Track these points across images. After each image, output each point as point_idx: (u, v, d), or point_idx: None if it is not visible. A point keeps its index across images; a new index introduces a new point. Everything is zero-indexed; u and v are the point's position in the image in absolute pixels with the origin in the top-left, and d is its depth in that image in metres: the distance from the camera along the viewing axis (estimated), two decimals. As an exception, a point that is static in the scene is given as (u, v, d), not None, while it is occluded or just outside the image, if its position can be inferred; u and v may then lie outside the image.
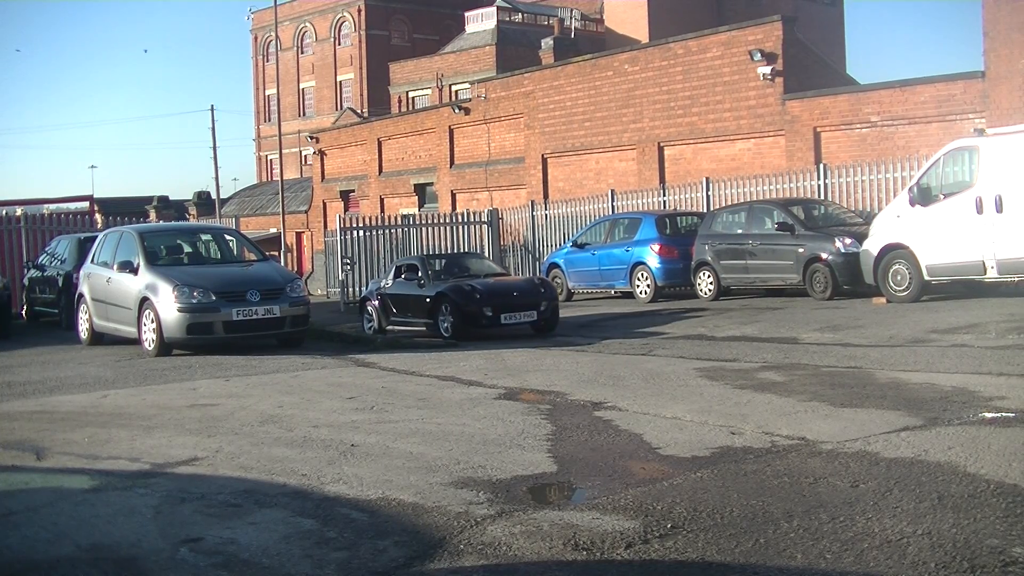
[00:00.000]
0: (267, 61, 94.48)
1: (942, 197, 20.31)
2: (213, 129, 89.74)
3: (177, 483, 8.55)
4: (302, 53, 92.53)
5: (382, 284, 24.05)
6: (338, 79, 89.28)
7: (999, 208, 19.22)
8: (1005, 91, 26.41)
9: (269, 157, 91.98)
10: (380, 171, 49.68)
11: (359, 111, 76.26)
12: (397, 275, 23.58)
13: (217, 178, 75.67)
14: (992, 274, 19.56)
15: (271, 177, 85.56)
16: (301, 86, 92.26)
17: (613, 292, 29.12)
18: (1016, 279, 19.24)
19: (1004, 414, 9.43)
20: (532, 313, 21.02)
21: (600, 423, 10.33)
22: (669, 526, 6.51)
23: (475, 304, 20.85)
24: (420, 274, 22.66)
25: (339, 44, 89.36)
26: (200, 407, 12.77)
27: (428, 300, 21.73)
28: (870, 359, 13.73)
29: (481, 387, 13.48)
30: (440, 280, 22.33)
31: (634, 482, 7.86)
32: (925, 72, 31.81)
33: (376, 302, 23.65)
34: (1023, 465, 7.43)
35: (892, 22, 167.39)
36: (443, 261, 24.58)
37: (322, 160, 54.28)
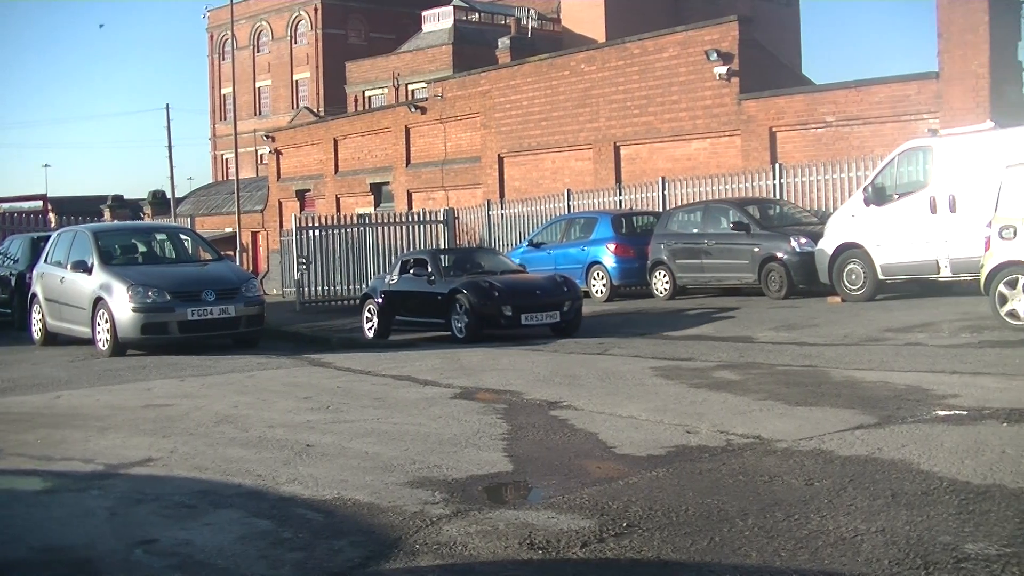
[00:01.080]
0: (223, 60, 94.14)
1: (896, 197, 20.43)
2: (168, 128, 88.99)
3: (132, 484, 8.51)
4: (258, 52, 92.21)
5: (386, 280, 22.51)
6: (294, 78, 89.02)
7: (952, 208, 19.35)
8: (959, 92, 26.58)
9: (225, 156, 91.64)
10: (336, 170, 49.51)
11: (315, 110, 76.10)
12: (404, 270, 22.10)
13: (172, 177, 75.22)
14: (946, 273, 19.69)
15: (227, 176, 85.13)
16: (257, 85, 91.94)
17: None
18: (969, 278, 19.36)
19: (957, 412, 9.50)
20: (555, 314, 19.67)
21: (556, 422, 10.34)
22: (625, 525, 6.52)
23: (493, 303, 19.54)
24: (430, 269, 21.16)
25: (295, 43, 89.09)
26: (155, 407, 12.71)
27: (440, 298, 20.37)
28: (825, 358, 13.79)
29: (437, 386, 13.46)
30: (453, 276, 20.86)
31: (590, 481, 7.87)
32: (880, 73, 31.89)
33: (379, 300, 21.99)
34: (975, 462, 7.48)
35: (848, 23, 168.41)
36: (454, 256, 23.20)
37: (278, 159, 54.05)
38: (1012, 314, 15.25)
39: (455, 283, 20.16)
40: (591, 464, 8.53)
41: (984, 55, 26.26)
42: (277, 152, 54.04)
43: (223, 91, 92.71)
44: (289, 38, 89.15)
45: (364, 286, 32.97)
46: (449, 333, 20.09)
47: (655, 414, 10.37)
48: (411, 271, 21.73)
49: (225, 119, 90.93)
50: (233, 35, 71.31)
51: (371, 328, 22.11)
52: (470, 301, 19.58)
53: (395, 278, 22.12)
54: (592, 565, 5.93)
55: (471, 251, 25.42)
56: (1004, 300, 15.35)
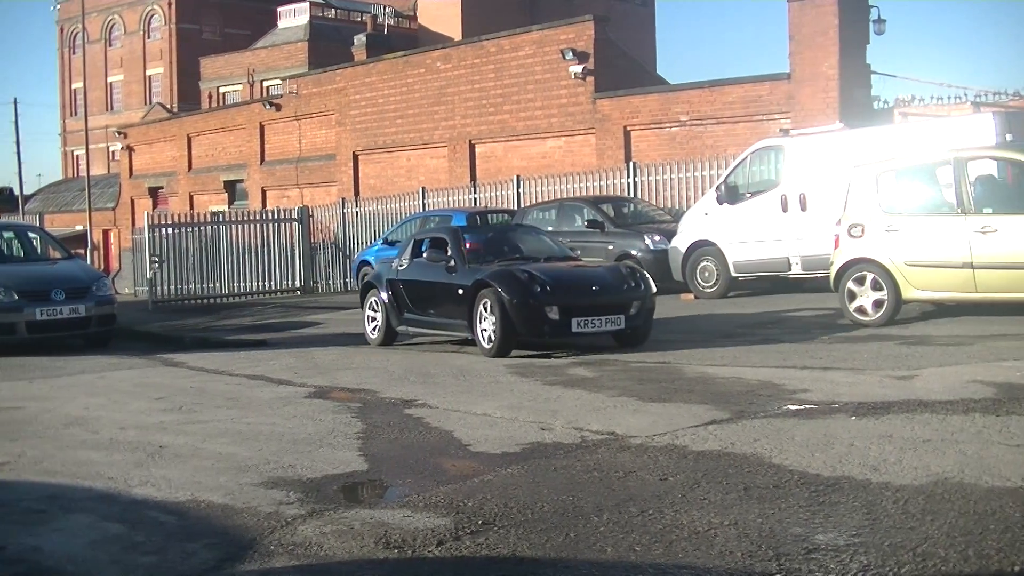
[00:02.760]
0: (73, 54, 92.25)
1: (748, 195, 20.74)
2: (16, 123, 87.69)
3: (-23, 489, 8.31)
4: (110, 46, 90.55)
5: (394, 266, 17.77)
6: (147, 73, 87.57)
7: (803, 206, 19.68)
8: (809, 93, 27.05)
9: (75, 152, 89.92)
10: (190, 167, 48.93)
11: (169, 106, 75.02)
12: (416, 253, 17.26)
13: (20, 174, 74.32)
14: (796, 270, 20.04)
15: (77, 173, 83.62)
16: (109, 80, 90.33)
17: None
18: (819, 275, 19.69)
19: (807, 406, 9.63)
20: (618, 318, 14.80)
21: (411, 421, 10.31)
22: (480, 523, 6.51)
23: (535, 301, 14.62)
24: (450, 253, 16.22)
25: (148, 37, 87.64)
26: (2, 410, 12.44)
27: (461, 292, 15.56)
28: (678, 354, 13.90)
29: (291, 386, 13.35)
30: (480, 263, 15.98)
31: (445, 479, 7.85)
32: (734, 73, 32.49)
33: (386, 293, 17.38)
34: (825, 455, 7.60)
35: (702, 24, 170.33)
36: (485, 236, 17.97)
37: (130, 156, 53.22)
38: (860, 310, 15.53)
39: (482, 272, 15.40)
40: (446, 462, 8.51)
41: (834, 57, 26.78)
42: (129, 149, 53.22)
43: (74, 86, 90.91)
44: (142, 32, 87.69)
45: (216, 285, 32.80)
46: (471, 339, 15.59)
47: (510, 411, 10.38)
48: (425, 254, 16.78)
49: (76, 114, 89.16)
50: (84, 28, 70.09)
51: (375, 329, 17.77)
52: (501, 298, 14.69)
53: (405, 262, 17.41)
54: (448, 563, 5.91)
55: (505, 230, 19.71)
56: (853, 296, 15.62)
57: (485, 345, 15.06)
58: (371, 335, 17.76)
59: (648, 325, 15.39)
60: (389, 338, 17.50)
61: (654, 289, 15.76)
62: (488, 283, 14.97)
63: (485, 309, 14.98)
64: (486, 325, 15.00)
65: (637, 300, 15.03)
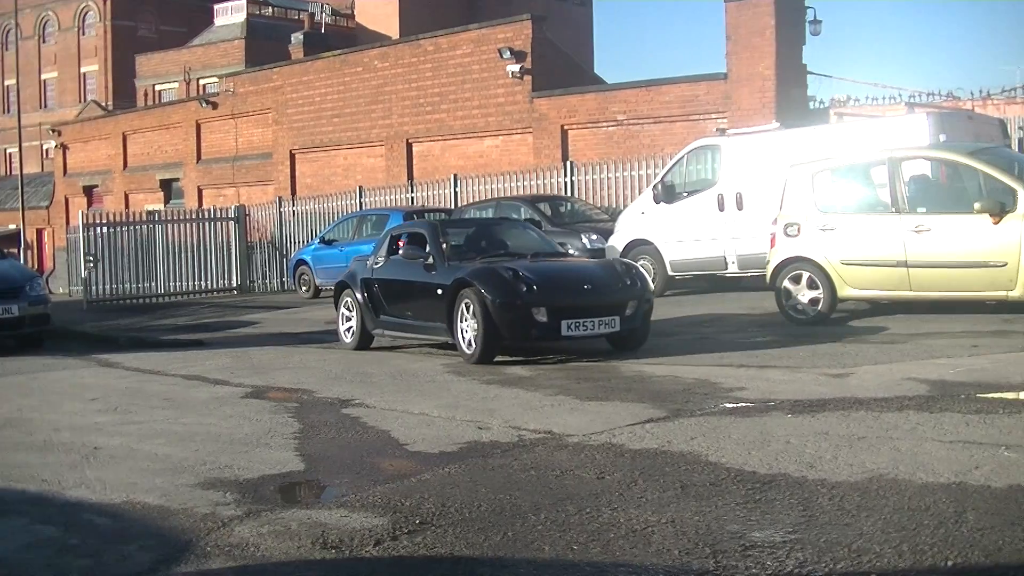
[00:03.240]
0: (6, 50, 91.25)
1: (685, 195, 20.80)
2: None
3: (-94, 493, 8.20)
4: (44, 43, 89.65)
5: (369, 263, 16.45)
6: (82, 70, 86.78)
7: (739, 205, 19.77)
8: (746, 93, 27.22)
9: (8, 150, 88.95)
10: (125, 166, 48.59)
11: (104, 104, 74.41)
12: (392, 250, 16.01)
13: (-49, 172, 73.05)
14: (733, 269, 20.13)
15: (10, 172, 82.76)
16: (43, 77, 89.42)
17: (362, 288, 28.84)
18: (756, 273, 19.80)
19: (744, 404, 9.68)
20: (612, 320, 13.59)
21: (348, 420, 10.27)
22: (418, 522, 6.49)
23: (520, 301, 13.41)
24: (429, 249, 15.05)
25: (83, 34, 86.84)
26: (-68, 411, 12.30)
27: (440, 292, 14.31)
28: (615, 353, 13.92)
29: (228, 386, 13.26)
30: (461, 260, 14.80)
31: (382, 479, 7.82)
32: (671, 73, 32.66)
33: (360, 294, 16.19)
34: (762, 453, 7.63)
35: (640, 24, 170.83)
36: (468, 230, 16.85)
37: (64, 154, 52.78)
38: (796, 308, 15.62)
39: (463, 270, 14.17)
40: (384, 462, 8.48)
41: (770, 57, 26.98)
42: (64, 147, 52.79)
43: (6, 83, 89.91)
44: (77, 29, 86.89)
45: (152, 285, 32.56)
46: (452, 343, 14.39)
47: (447, 411, 10.36)
48: (401, 251, 15.63)
49: (9, 112, 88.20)
50: (17, 25, 69.35)
51: (349, 331, 16.63)
52: (483, 298, 13.49)
53: (381, 260, 16.17)
54: (385, 563, 5.88)
55: (490, 224, 18.50)
56: (789, 295, 15.71)
57: (466, 350, 13.86)
58: (345, 338, 16.68)
59: (646, 327, 14.20)
60: (365, 341, 16.35)
61: (652, 287, 14.80)
62: (469, 282, 13.74)
63: (466, 311, 13.78)
64: (467, 328, 13.81)
65: (633, 299, 13.84)
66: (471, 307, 13.61)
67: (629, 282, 14.01)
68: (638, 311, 13.84)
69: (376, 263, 16.13)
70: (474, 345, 13.67)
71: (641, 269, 15.23)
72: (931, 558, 5.31)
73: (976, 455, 7.25)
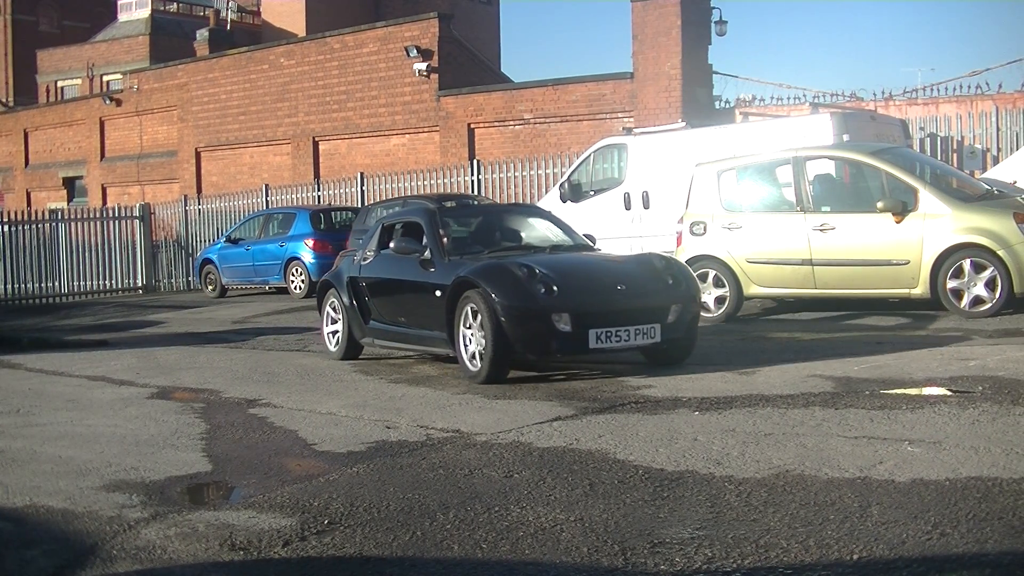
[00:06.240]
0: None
1: (592, 193, 20.89)
2: None
3: None
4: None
5: (357, 259, 13.99)
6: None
7: (646, 204, 19.89)
8: (652, 92, 27.38)
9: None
10: (27, 163, 48.01)
11: (4, 100, 73.33)
12: (383, 244, 13.58)
13: None
14: (639, 268, 20.18)
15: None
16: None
17: (268, 288, 28.74)
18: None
19: (651, 402, 9.72)
20: (652, 328, 11.17)
21: (255, 420, 10.19)
22: (326, 522, 6.44)
23: (537, 306, 10.93)
24: (426, 242, 12.62)
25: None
26: None
27: (439, 293, 11.90)
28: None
29: (133, 386, 13.09)
30: (465, 253, 12.40)
31: (290, 479, 7.76)
32: (578, 72, 32.84)
33: (347, 296, 13.76)
34: (669, 450, 7.66)
35: (547, 23, 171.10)
36: (475, 220, 13.96)
37: (-37, 152, 52.08)
38: (703, 307, 15.72)
39: (466, 267, 11.65)
40: (291, 462, 8.42)
41: (676, 57, 27.17)
42: (-38, 144, 52.02)
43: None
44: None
45: (55, 284, 32.17)
46: (455, 355, 11.86)
47: (355, 410, 10.31)
48: (393, 245, 13.09)
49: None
50: (-87, 20, 68.22)
51: (334, 335, 14.25)
52: (491, 302, 10.97)
53: (370, 255, 13.72)
54: (294, 564, 5.84)
55: (500, 212, 15.29)
56: (695, 293, 15.80)
57: (470, 367, 11.42)
58: (331, 345, 14.33)
59: (692, 336, 11.88)
60: (352, 351, 14.02)
61: (699, 287, 12.68)
62: (473, 282, 11.25)
63: (471, 317, 11.30)
64: (471, 339, 11.38)
65: (677, 303, 11.49)
66: (476, 312, 11.17)
67: (671, 281, 11.66)
68: (682, 317, 11.52)
69: (365, 259, 13.71)
70: (479, 361, 11.25)
71: (685, 266, 12.89)
72: (837, 552, 5.36)
73: (880, 450, 7.33)
